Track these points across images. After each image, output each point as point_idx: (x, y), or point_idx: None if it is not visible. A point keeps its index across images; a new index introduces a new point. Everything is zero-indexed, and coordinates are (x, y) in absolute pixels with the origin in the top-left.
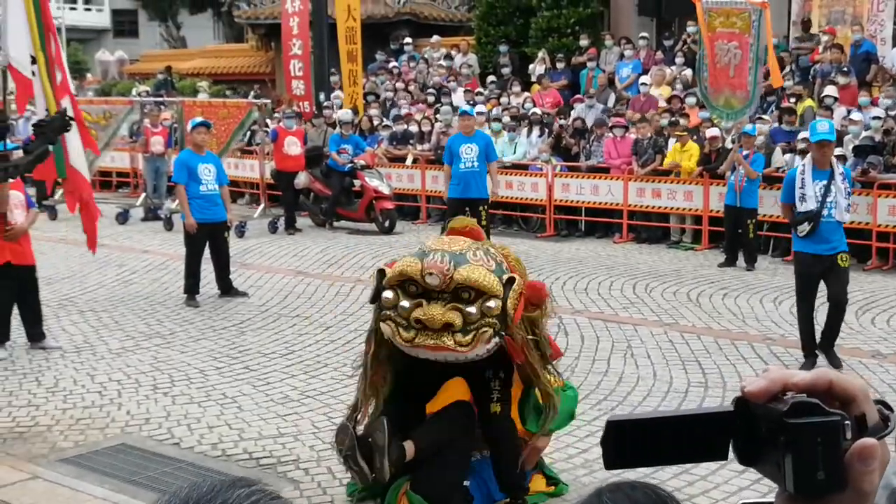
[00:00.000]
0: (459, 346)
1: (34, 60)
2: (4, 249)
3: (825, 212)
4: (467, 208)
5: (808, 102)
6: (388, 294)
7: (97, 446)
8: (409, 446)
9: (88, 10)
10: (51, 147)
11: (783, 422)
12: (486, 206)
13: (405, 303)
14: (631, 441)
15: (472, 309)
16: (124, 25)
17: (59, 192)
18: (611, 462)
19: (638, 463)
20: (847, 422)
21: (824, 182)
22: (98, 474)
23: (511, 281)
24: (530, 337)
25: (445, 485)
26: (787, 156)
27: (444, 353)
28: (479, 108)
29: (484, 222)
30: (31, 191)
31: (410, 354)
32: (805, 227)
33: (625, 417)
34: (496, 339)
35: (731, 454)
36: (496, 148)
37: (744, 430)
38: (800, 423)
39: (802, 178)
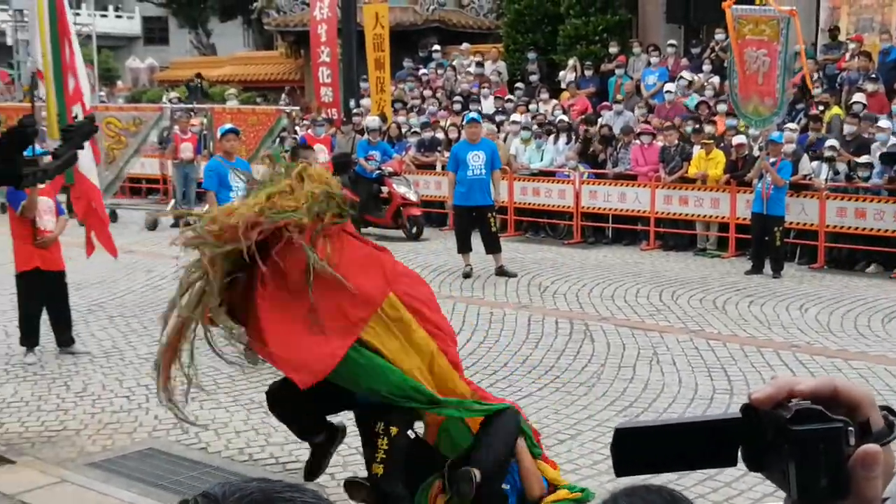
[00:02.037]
0: None
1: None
2: (34, 255)
3: None
4: (474, 213)
5: (836, 110)
6: None
7: (125, 450)
8: (476, 474)
9: (119, 17)
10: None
11: (787, 428)
12: (493, 213)
13: None
14: (640, 448)
15: None
16: (155, 33)
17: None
18: (620, 469)
19: (648, 469)
20: (850, 428)
21: None
22: (125, 478)
23: None
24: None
25: (493, 494)
26: (814, 163)
27: None
28: (515, 117)
29: (494, 229)
30: (62, 197)
31: None
32: None
33: (633, 425)
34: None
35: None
36: (524, 155)
37: (751, 436)
38: (802, 430)
39: None
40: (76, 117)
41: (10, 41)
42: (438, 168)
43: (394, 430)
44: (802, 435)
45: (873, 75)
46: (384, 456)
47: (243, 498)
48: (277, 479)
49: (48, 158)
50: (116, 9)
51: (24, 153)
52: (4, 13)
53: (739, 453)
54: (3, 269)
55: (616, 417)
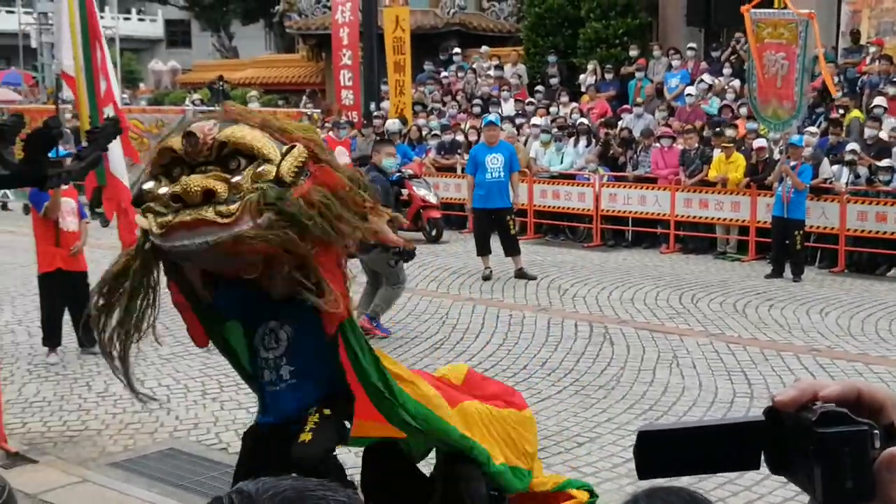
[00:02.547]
0: (220, 216)
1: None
2: (56, 256)
3: None
4: (493, 216)
5: (856, 113)
6: (148, 184)
7: (146, 451)
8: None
9: (142, 20)
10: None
11: (812, 431)
12: (512, 216)
13: (165, 189)
14: (663, 450)
15: (239, 178)
16: (177, 36)
17: None
18: (643, 471)
19: (670, 472)
20: (875, 431)
21: None
22: (146, 478)
23: (291, 149)
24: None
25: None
26: (835, 167)
27: (204, 232)
28: (535, 120)
29: (512, 231)
30: (84, 199)
31: (167, 252)
32: None
33: (656, 427)
34: (270, 214)
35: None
36: (544, 158)
37: (775, 439)
38: (828, 433)
39: None
40: (115, 117)
41: (34, 44)
42: (458, 170)
43: (326, 410)
44: (828, 437)
45: (894, 79)
46: (312, 427)
47: (276, 495)
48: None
49: (68, 160)
50: (139, 12)
51: (49, 154)
52: (29, 16)
53: (762, 456)
54: (28, 270)
55: (635, 421)
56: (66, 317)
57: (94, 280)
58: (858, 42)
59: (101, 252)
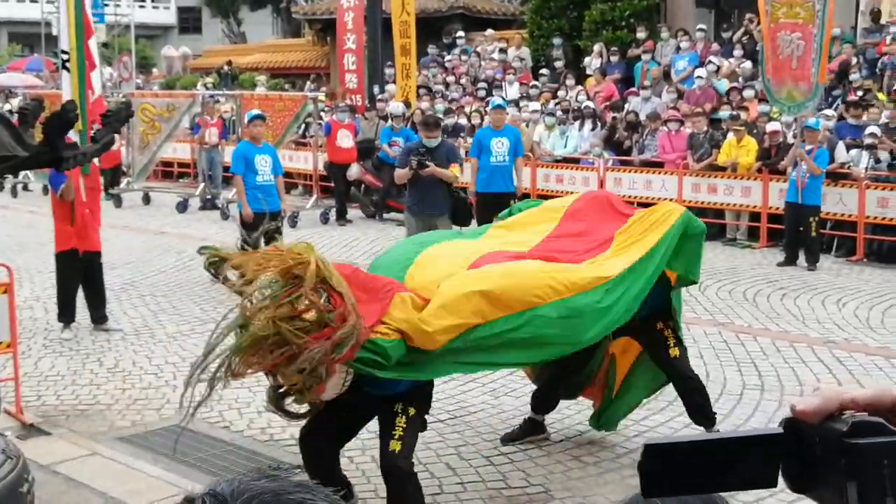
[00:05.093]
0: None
1: (68, 55)
2: (72, 236)
3: None
4: (496, 200)
5: (880, 96)
6: None
7: (152, 426)
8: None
9: (156, 7)
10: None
11: (844, 443)
12: (515, 200)
13: None
14: (671, 466)
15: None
16: (189, 22)
17: (124, 182)
18: (649, 489)
19: (678, 490)
20: None
21: None
22: (152, 453)
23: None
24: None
25: None
26: (854, 151)
27: None
28: (533, 105)
29: None
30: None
31: None
32: None
33: (665, 440)
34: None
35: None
36: (548, 141)
37: (796, 453)
38: (863, 444)
39: None
40: (129, 101)
41: (55, 31)
42: (462, 154)
43: (411, 410)
44: (863, 449)
45: None
46: (401, 433)
47: (253, 498)
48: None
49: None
50: (153, 0)
51: (65, 137)
52: (51, 5)
53: (779, 473)
54: (46, 248)
55: (639, 410)
56: (80, 294)
57: (105, 259)
58: (879, 21)
59: (113, 232)
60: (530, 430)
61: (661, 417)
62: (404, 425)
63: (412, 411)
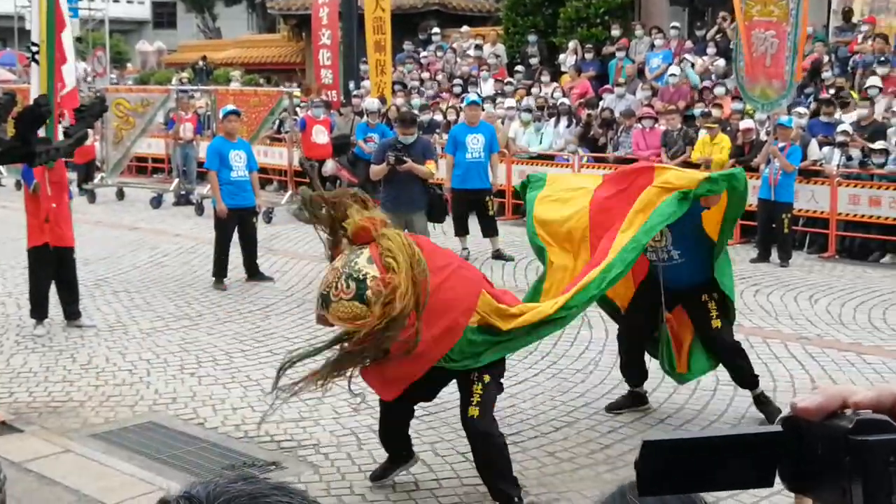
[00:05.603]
0: None
1: (38, 48)
2: (44, 232)
3: None
4: (471, 197)
5: (854, 94)
6: None
7: (126, 423)
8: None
9: (130, 2)
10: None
11: (849, 440)
12: (490, 197)
13: None
14: (668, 464)
15: None
16: (163, 17)
17: (98, 177)
18: (646, 488)
19: (675, 489)
20: None
21: None
22: (126, 450)
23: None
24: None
25: None
26: (826, 149)
27: None
28: (509, 102)
29: (491, 212)
30: (72, 175)
31: None
32: None
33: (663, 437)
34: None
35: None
36: (523, 138)
37: (796, 452)
38: (869, 441)
39: None
40: (103, 96)
41: (28, 25)
42: (437, 150)
43: (486, 377)
44: (869, 447)
45: (882, 58)
46: (479, 399)
47: (229, 501)
48: (264, 460)
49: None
50: None
51: (37, 132)
52: None
53: (776, 472)
54: (20, 244)
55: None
56: (53, 290)
57: (78, 254)
58: (850, 20)
59: (86, 227)
60: (631, 402)
61: (637, 412)
62: (481, 392)
63: (487, 378)
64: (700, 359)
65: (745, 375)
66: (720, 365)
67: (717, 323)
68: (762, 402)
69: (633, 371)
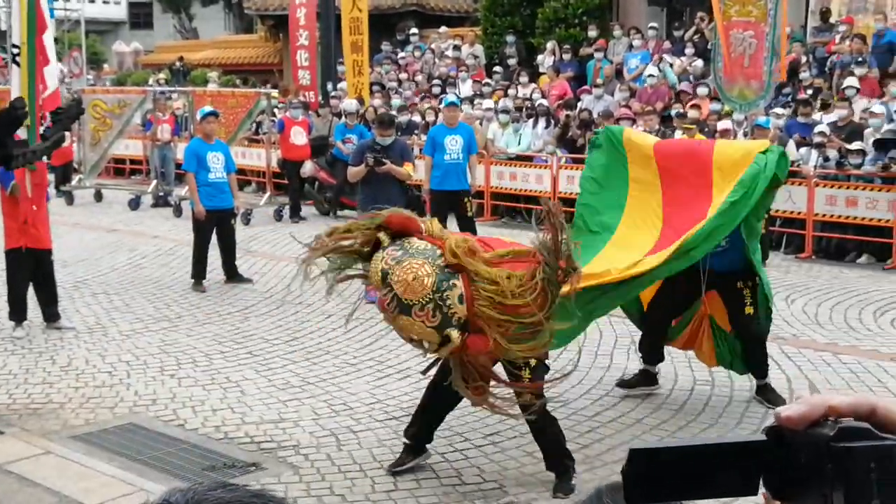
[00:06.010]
0: None
1: (18, 49)
2: (22, 234)
3: None
4: (450, 198)
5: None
6: None
7: (106, 424)
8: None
9: (107, 3)
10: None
11: (831, 447)
12: (469, 198)
13: None
14: (654, 472)
15: None
16: (140, 17)
17: (75, 179)
18: (633, 496)
19: (662, 497)
20: None
21: None
22: (107, 452)
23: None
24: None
25: None
26: (803, 150)
27: None
28: (487, 103)
29: (470, 213)
30: (49, 177)
31: None
32: None
33: (649, 445)
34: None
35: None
36: (502, 139)
37: (780, 460)
38: (850, 448)
39: None
40: (80, 98)
41: (3, 26)
42: (416, 151)
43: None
44: (851, 453)
45: (860, 59)
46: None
47: None
48: (244, 461)
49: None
50: None
51: (14, 135)
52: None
53: (760, 481)
54: None
55: (592, 406)
56: (32, 292)
57: (57, 256)
58: (828, 20)
59: (64, 229)
60: (643, 381)
61: (614, 413)
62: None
63: (535, 361)
64: (724, 351)
65: (758, 364)
66: (732, 369)
67: (749, 310)
68: (767, 391)
69: (652, 351)
